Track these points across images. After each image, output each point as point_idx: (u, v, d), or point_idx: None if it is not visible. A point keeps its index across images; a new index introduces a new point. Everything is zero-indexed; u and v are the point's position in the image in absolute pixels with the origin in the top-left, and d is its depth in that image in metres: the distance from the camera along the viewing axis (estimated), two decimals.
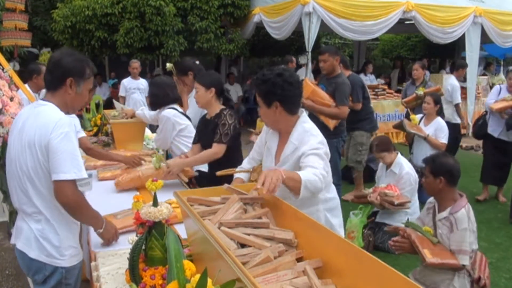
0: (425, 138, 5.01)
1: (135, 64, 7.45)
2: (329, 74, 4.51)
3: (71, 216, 1.96)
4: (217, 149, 2.90)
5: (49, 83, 1.96)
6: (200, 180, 3.15)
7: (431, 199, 2.97)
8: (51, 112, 1.88)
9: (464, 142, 6.29)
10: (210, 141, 2.97)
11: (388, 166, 4.21)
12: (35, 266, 1.94)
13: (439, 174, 2.80)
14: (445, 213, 2.77)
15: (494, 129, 5.30)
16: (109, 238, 2.12)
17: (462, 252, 2.68)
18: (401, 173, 4.09)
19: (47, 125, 1.82)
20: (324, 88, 4.51)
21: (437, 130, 5.07)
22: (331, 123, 4.41)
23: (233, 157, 2.93)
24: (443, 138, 5.03)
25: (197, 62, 4.03)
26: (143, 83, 7.43)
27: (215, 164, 2.96)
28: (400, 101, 6.88)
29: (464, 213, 2.70)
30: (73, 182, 1.85)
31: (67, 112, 1.97)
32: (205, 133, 3.07)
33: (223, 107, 3.03)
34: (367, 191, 4.18)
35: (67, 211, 1.92)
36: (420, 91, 5.82)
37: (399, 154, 4.24)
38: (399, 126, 5.36)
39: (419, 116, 5.31)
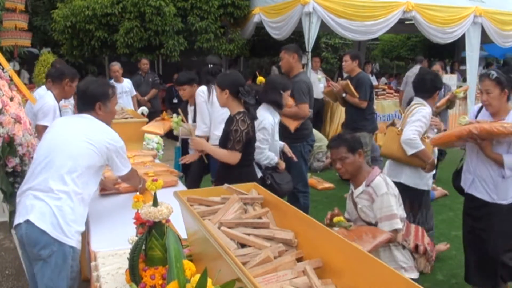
0: None
1: (115, 67, 6.92)
2: (288, 73, 4.34)
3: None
4: (231, 156, 2.86)
5: (82, 108, 2.41)
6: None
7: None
8: (108, 128, 2.39)
9: None
10: (223, 139, 2.98)
11: None
12: (44, 240, 2.05)
13: (356, 149, 2.69)
14: (361, 188, 2.68)
15: (466, 177, 3.06)
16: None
17: (390, 217, 2.54)
18: None
19: (112, 135, 2.35)
20: None
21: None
22: (292, 125, 4.20)
23: (243, 162, 2.92)
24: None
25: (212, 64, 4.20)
26: (128, 85, 6.99)
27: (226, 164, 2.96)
28: None
29: (380, 179, 2.61)
30: (130, 171, 2.52)
31: None
32: (223, 131, 3.07)
33: (240, 109, 2.93)
34: None
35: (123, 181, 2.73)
36: (460, 94, 5.58)
37: None
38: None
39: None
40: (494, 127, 2.68)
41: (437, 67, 6.19)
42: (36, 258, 2.10)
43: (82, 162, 2.20)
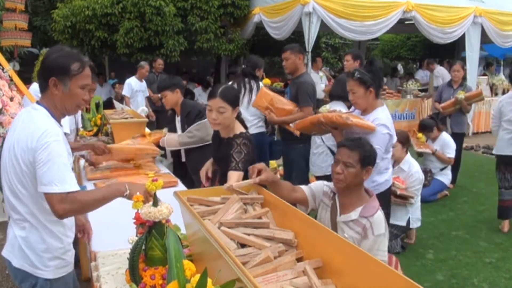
0: (433, 153, 5.24)
1: (148, 66, 7.53)
2: (293, 73, 4.30)
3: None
4: (237, 178, 2.39)
5: (40, 84, 1.87)
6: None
7: (330, 185, 2.37)
8: (39, 120, 1.76)
9: (464, 142, 6.28)
10: (224, 164, 2.57)
11: (396, 163, 4.20)
12: (20, 275, 1.85)
13: (368, 163, 2.26)
14: (354, 215, 2.19)
15: None
16: (140, 191, 1.84)
17: None
18: (411, 171, 4.11)
19: (32, 135, 1.71)
20: (289, 90, 4.35)
21: (443, 146, 5.32)
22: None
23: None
24: (451, 153, 5.30)
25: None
26: (145, 85, 7.53)
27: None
28: (434, 105, 6.32)
29: (381, 216, 2.18)
30: (58, 194, 1.68)
31: (62, 114, 1.87)
32: (220, 152, 2.69)
33: (241, 131, 2.59)
34: None
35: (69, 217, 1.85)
36: (461, 95, 5.30)
37: (409, 153, 4.28)
38: None
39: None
40: (334, 116, 2.91)
41: (457, 66, 5.98)
42: None
43: (18, 184, 1.76)
